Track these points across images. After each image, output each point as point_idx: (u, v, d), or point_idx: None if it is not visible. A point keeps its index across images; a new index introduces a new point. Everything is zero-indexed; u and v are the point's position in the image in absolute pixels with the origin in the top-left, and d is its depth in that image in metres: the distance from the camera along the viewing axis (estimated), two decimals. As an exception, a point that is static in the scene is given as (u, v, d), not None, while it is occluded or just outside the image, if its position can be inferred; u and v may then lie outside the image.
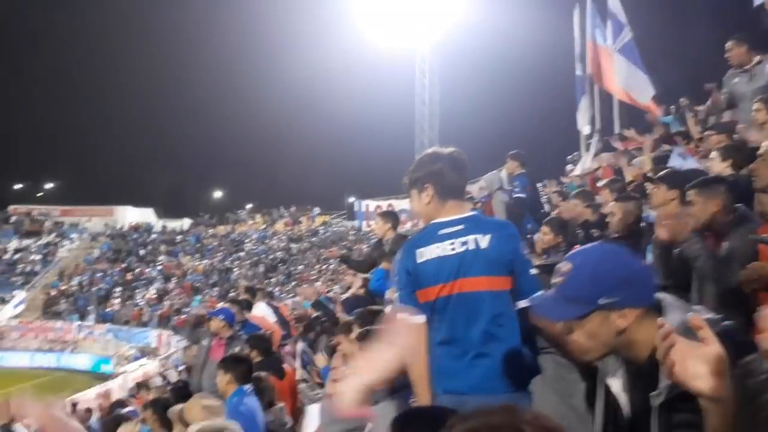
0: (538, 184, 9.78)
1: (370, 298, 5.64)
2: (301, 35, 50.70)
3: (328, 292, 17.73)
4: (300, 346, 6.81)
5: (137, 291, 30.80)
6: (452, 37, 30.26)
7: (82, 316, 28.59)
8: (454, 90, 34.50)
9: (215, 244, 36.45)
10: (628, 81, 10.72)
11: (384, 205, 33.12)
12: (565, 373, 2.48)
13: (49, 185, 52.67)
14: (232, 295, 15.23)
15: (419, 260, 2.28)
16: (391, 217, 6.17)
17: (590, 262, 1.39)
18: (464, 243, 2.26)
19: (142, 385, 10.38)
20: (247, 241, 36.47)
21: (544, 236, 4.81)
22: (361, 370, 2.00)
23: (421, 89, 29.59)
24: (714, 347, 1.10)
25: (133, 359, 22.64)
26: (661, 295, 1.40)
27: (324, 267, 29.39)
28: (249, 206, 43.71)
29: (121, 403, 8.72)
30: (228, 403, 3.43)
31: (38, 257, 35.25)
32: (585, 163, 12.34)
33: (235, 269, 32.40)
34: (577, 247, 4.41)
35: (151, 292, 30.46)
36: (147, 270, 33.18)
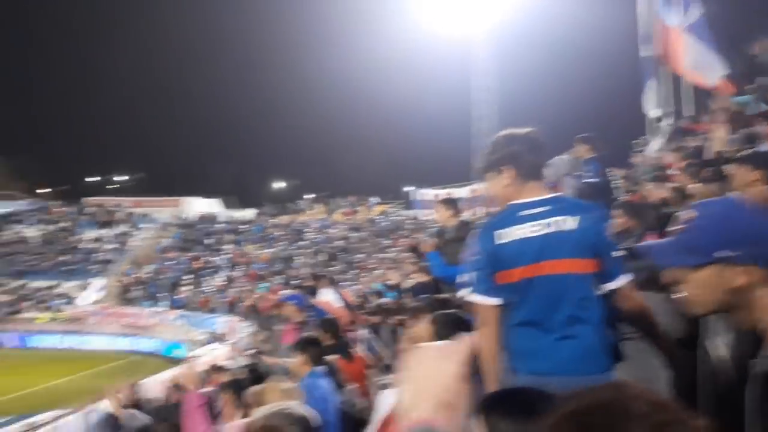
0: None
1: (436, 285, 5.67)
2: (358, 26, 50.96)
3: (389, 280, 17.83)
4: (364, 332, 6.92)
5: (205, 279, 32.01)
6: (510, 21, 29.59)
7: (155, 303, 29.99)
8: (512, 75, 33.85)
9: (278, 233, 37.35)
10: (696, 61, 10.22)
11: (442, 193, 33.01)
12: (647, 360, 2.44)
13: (121, 178, 55.40)
14: (297, 281, 15.59)
15: (498, 242, 2.26)
16: (453, 203, 6.15)
17: (714, 213, 1.34)
18: (549, 224, 2.23)
19: (215, 369, 10.79)
20: (307, 230, 37.20)
21: (617, 220, 4.68)
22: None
23: (479, 75, 29.11)
24: None
25: (204, 344, 23.53)
26: None
27: (383, 256, 29.61)
28: (309, 196, 44.57)
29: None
30: (301, 384, 3.54)
31: (113, 246, 37.19)
32: (655, 146, 11.88)
33: (297, 258, 33.14)
34: (652, 233, 4.28)
35: (219, 280, 31.60)
36: (214, 258, 34.42)
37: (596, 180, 6.93)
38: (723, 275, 1.28)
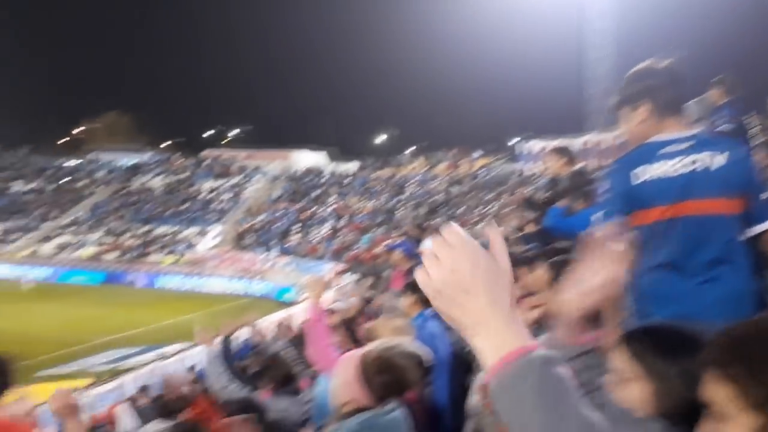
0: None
1: (546, 235, 5.46)
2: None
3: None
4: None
5: (312, 228, 33.35)
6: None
7: (267, 249, 31.77)
8: (631, 14, 31.14)
9: (380, 186, 37.90)
10: None
11: (550, 145, 31.68)
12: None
13: (234, 132, 58.36)
14: (402, 231, 15.75)
15: (635, 181, 2.11)
16: (566, 152, 5.84)
17: None
18: (693, 162, 2.07)
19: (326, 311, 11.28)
20: (408, 183, 37.41)
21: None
22: (569, 297, 1.92)
23: (592, 16, 27.01)
24: None
25: (311, 289, 24.65)
26: None
27: (485, 210, 29.18)
28: (411, 149, 44.64)
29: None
30: (412, 322, 3.57)
31: (228, 196, 39.60)
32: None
33: (398, 210, 33.54)
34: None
35: (325, 230, 32.83)
36: (320, 210, 35.69)
37: (731, 126, 6.28)
38: None
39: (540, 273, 3.50)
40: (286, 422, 3.21)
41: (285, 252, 30.84)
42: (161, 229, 35.76)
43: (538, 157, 28.92)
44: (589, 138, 24.21)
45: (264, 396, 3.40)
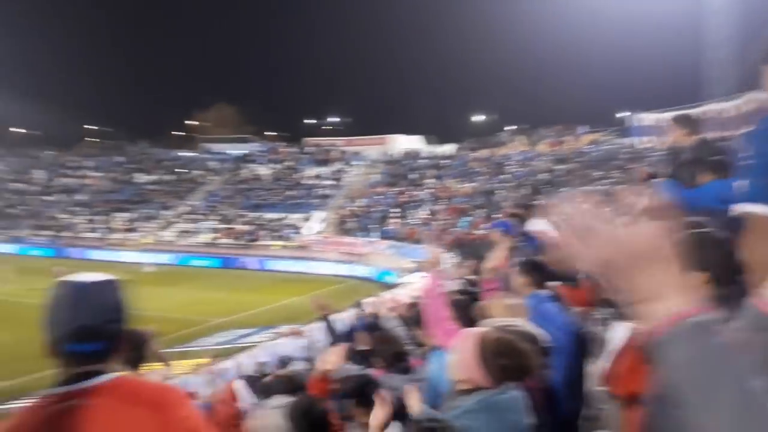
0: None
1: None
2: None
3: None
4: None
5: (410, 211, 33.48)
6: None
7: (367, 233, 32.35)
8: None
9: (479, 167, 37.22)
10: None
11: (663, 117, 29.41)
12: None
13: (333, 119, 59.75)
14: (507, 210, 15.35)
15: None
16: (689, 121, 5.40)
17: None
18: None
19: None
20: (509, 163, 36.42)
21: None
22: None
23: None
24: None
25: (413, 271, 24.84)
26: None
27: (595, 188, 27.82)
28: (511, 128, 43.36)
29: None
30: (527, 302, 3.44)
31: (330, 182, 40.69)
32: None
33: (498, 191, 32.80)
34: None
35: (423, 213, 32.84)
36: (418, 193, 35.72)
37: None
38: None
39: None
40: (397, 399, 3.21)
41: (385, 235, 31.23)
42: (269, 215, 37.45)
43: (651, 130, 26.99)
44: (709, 108, 22.17)
45: (376, 374, 3.41)
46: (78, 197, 45.31)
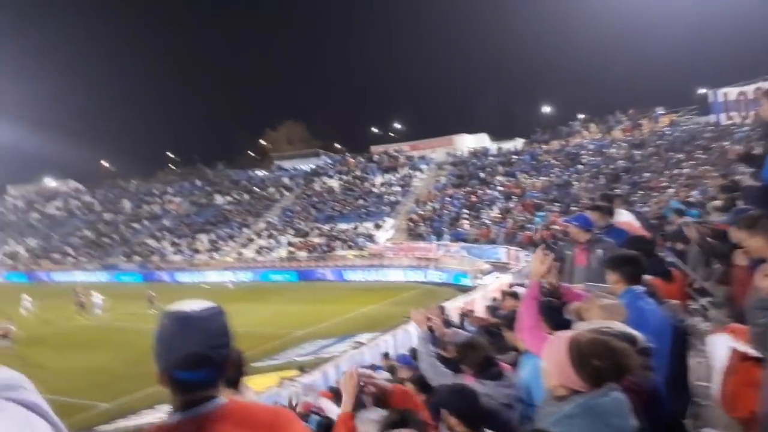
0: None
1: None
2: None
3: (687, 197, 15.82)
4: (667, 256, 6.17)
5: (482, 211, 32.94)
6: None
7: (439, 237, 32.11)
8: None
9: (550, 159, 36.15)
10: None
11: (749, 90, 27.47)
12: None
13: (397, 125, 60.04)
14: (589, 202, 14.85)
15: None
16: (783, 92, 4.95)
17: None
18: None
19: (507, 294, 11.01)
20: (583, 153, 35.13)
21: None
22: None
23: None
24: None
25: (488, 273, 24.45)
26: None
27: (676, 172, 26.31)
28: (581, 116, 41.82)
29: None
30: (623, 301, 3.24)
31: (398, 188, 40.79)
32: None
33: (574, 183, 31.69)
34: None
35: (495, 211, 32.23)
36: (488, 191, 35.10)
37: None
38: None
39: (762, 238, 2.98)
40: (492, 407, 3.11)
41: (457, 238, 30.89)
42: (342, 226, 37.99)
43: (735, 105, 25.27)
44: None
45: (467, 381, 3.33)
46: (163, 222, 47.85)
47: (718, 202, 7.19)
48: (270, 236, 39.85)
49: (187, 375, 1.43)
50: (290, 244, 37.83)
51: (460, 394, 2.81)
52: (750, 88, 25.18)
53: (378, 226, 36.48)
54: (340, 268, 33.85)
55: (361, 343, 15.10)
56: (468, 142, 44.27)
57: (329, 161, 50.38)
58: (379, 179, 43.11)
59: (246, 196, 47.80)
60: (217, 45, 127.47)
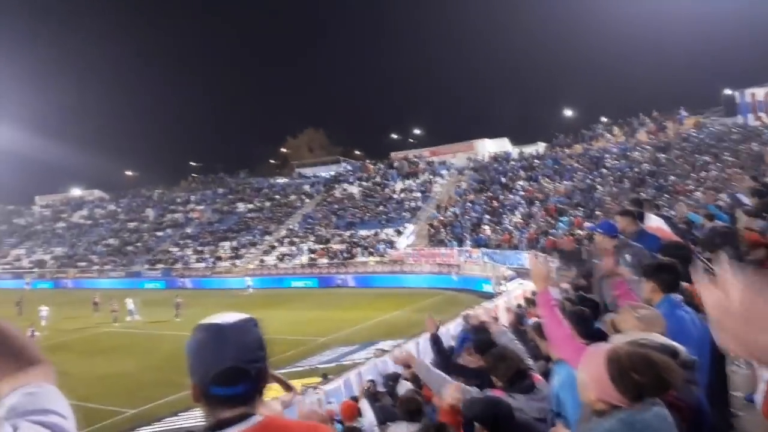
0: None
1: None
2: None
3: (716, 201, 15.44)
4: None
5: (504, 216, 32.62)
6: None
7: (460, 242, 31.87)
8: None
9: (573, 164, 35.71)
10: None
11: (777, 90, 26.83)
12: None
13: (417, 131, 59.91)
14: (618, 208, 14.61)
15: None
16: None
17: None
18: None
19: (530, 301, 10.85)
20: (607, 156, 34.62)
21: None
22: None
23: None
24: None
25: (510, 279, 24.15)
26: None
27: (703, 174, 25.76)
28: (604, 120, 41.28)
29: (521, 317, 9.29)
30: (660, 311, 3.11)
31: (418, 194, 40.65)
32: None
33: (598, 187, 31.23)
34: None
35: (517, 217, 31.88)
36: (510, 196, 34.77)
37: None
38: None
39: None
40: (524, 421, 3.00)
41: (478, 243, 30.64)
42: (363, 232, 37.96)
43: (763, 105, 24.68)
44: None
45: (498, 393, 3.22)
46: (186, 230, 48.36)
47: (748, 207, 6.95)
48: (291, 243, 40.00)
49: (223, 390, 1.36)
50: (311, 250, 37.91)
51: (494, 408, 2.71)
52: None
53: (399, 232, 36.37)
54: (360, 274, 33.80)
55: (384, 351, 14.98)
56: (489, 147, 43.95)
57: (349, 168, 50.49)
58: (399, 185, 43.04)
59: (267, 204, 48.10)
60: (239, 55, 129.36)
